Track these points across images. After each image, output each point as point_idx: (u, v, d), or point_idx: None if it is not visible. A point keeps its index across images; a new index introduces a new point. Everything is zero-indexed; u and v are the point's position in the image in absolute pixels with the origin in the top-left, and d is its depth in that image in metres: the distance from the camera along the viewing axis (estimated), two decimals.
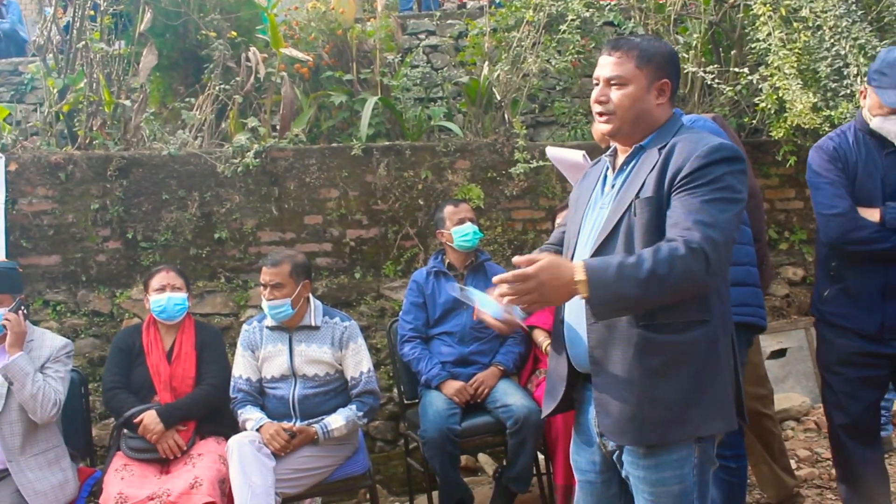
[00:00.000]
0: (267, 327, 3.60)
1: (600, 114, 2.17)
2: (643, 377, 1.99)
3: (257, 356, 3.59)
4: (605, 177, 2.26)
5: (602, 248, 2.08)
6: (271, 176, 4.84)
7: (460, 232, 3.96)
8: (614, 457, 2.15)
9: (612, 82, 2.13)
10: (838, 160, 2.93)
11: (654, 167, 2.06)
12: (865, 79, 3.07)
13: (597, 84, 2.18)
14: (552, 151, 3.79)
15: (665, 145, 2.08)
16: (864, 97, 2.97)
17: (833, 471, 4.03)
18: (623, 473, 2.13)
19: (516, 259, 1.95)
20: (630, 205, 2.06)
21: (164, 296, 3.58)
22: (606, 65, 2.15)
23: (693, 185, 1.97)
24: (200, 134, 5.07)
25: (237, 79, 5.24)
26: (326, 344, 3.56)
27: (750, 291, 2.93)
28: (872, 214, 2.85)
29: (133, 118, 4.99)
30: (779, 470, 3.65)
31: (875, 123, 2.88)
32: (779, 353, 5.19)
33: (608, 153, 2.28)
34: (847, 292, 2.96)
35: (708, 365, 2.01)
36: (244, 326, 3.69)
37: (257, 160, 4.72)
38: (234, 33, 5.43)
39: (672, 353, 1.99)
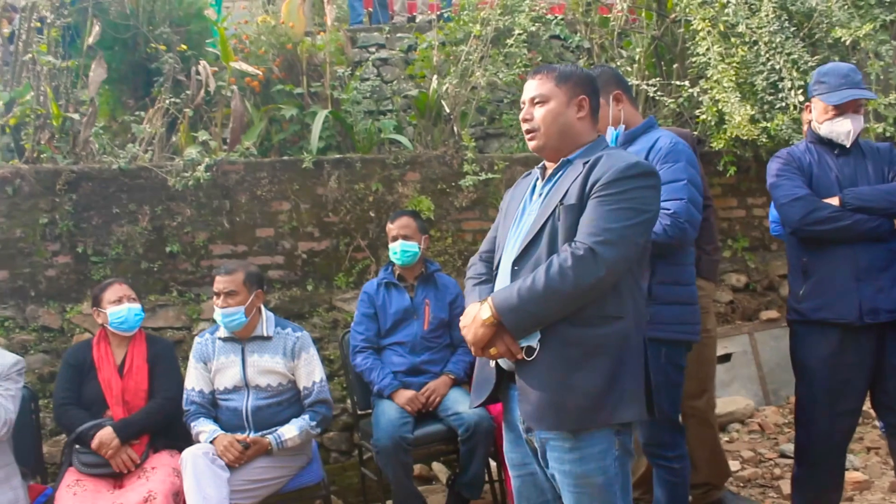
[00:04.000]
0: (219, 338, 3.62)
1: (527, 132, 2.38)
2: (562, 367, 2.15)
3: (210, 368, 3.61)
4: (535, 187, 2.43)
5: (528, 250, 2.26)
6: (222, 189, 4.85)
7: (392, 250, 4.04)
8: (539, 455, 2.27)
9: (536, 101, 2.36)
10: (793, 162, 3.13)
11: (577, 177, 2.24)
12: (805, 94, 3.27)
13: (523, 106, 2.40)
14: None
15: (590, 160, 2.26)
16: (809, 111, 3.20)
17: (774, 470, 4.20)
18: (549, 472, 2.26)
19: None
20: (554, 210, 2.23)
21: (124, 307, 3.58)
22: (530, 87, 2.38)
23: (604, 194, 2.15)
24: (151, 147, 5.05)
25: (187, 92, 5.25)
26: (279, 354, 3.59)
27: (692, 310, 3.04)
28: (832, 201, 3.02)
29: (82, 132, 4.96)
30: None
31: (824, 130, 3.11)
32: (724, 358, 5.33)
33: (539, 166, 2.46)
34: (822, 283, 3.06)
35: (622, 358, 2.16)
36: (196, 338, 3.70)
37: (208, 173, 4.74)
38: (184, 46, 5.45)
39: (589, 346, 2.15)
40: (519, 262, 2.26)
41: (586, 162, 2.25)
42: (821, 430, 3.12)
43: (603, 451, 2.17)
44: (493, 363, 2.32)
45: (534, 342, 2.18)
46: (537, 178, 2.44)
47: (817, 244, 3.06)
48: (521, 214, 2.40)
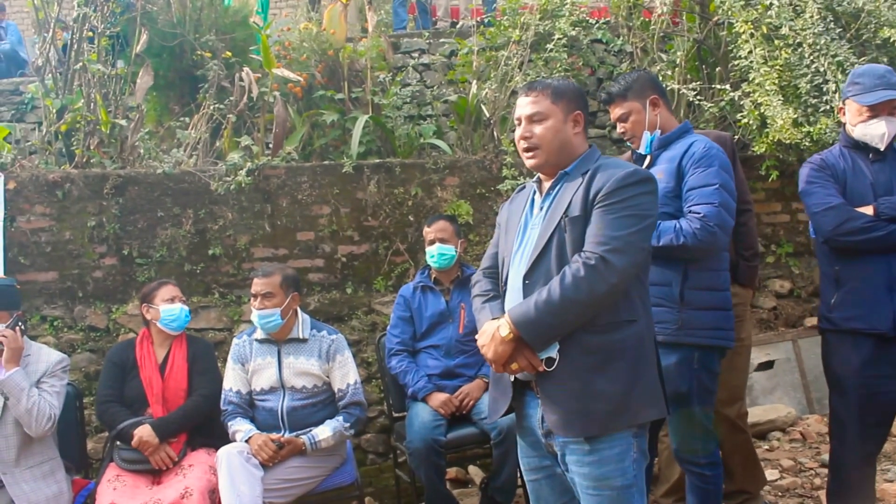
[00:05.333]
0: (256, 340, 3.69)
1: (526, 149, 2.40)
2: (584, 374, 2.19)
3: (247, 369, 3.68)
4: (533, 201, 2.47)
5: (537, 263, 2.30)
6: (264, 193, 4.94)
7: (429, 253, 4.08)
8: (559, 459, 2.30)
9: (534, 119, 2.39)
10: (827, 169, 3.07)
11: (578, 189, 2.29)
12: (842, 97, 3.19)
13: (519, 125, 2.42)
14: None
15: (587, 171, 2.32)
16: (843, 114, 3.12)
17: (815, 480, 4.13)
18: (569, 477, 2.28)
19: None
20: (559, 222, 2.28)
21: (177, 306, 3.69)
22: (525, 105, 2.40)
23: (608, 203, 2.22)
24: (195, 152, 5.17)
25: (231, 98, 5.35)
26: (314, 356, 3.65)
27: (726, 316, 3.01)
28: (867, 210, 2.95)
29: (129, 137, 5.10)
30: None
31: (858, 132, 3.03)
32: (766, 365, 5.26)
33: (533, 180, 2.51)
34: (854, 293, 3.00)
35: (639, 360, 2.23)
36: (234, 340, 3.77)
37: (250, 178, 4.83)
38: (229, 53, 5.55)
39: (608, 351, 2.20)
40: (529, 275, 2.30)
41: (584, 173, 2.31)
42: (853, 441, 3.06)
43: (622, 453, 2.20)
44: (508, 378, 2.36)
45: (553, 353, 2.22)
46: (534, 192, 2.48)
47: (850, 253, 2.99)
48: (523, 229, 2.43)
